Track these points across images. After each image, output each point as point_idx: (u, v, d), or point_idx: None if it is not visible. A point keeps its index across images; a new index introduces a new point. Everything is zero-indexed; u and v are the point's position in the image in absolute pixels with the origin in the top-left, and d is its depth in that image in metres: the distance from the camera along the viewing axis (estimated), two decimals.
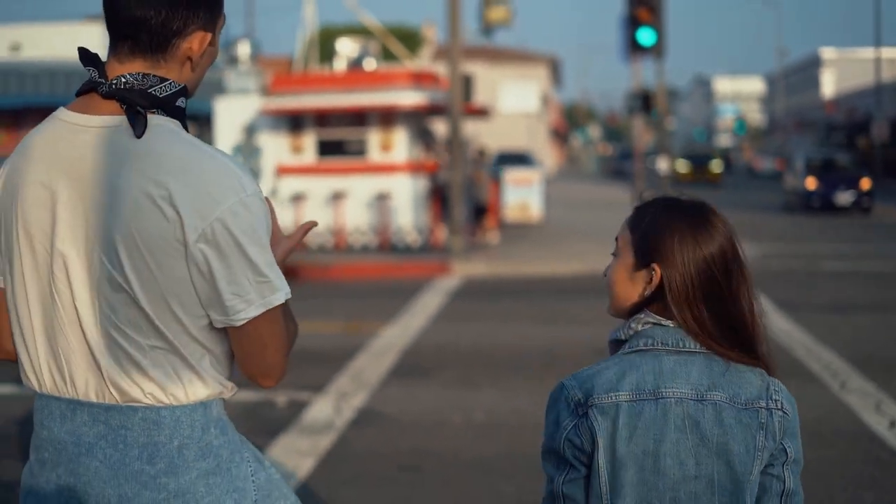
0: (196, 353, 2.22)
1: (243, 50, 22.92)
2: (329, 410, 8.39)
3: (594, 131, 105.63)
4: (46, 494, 2.26)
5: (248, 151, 21.87)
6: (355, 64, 23.12)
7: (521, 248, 21.24)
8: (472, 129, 52.99)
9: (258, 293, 2.18)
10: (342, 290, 16.37)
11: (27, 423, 8.06)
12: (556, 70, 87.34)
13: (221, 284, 2.16)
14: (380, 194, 20.57)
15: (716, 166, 55.99)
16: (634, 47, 22.63)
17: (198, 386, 2.22)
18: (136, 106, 2.18)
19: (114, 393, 2.20)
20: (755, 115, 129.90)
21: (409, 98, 20.57)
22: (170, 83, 2.23)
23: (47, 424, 2.27)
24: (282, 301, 2.22)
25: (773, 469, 2.33)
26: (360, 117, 21.15)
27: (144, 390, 2.20)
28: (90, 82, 2.23)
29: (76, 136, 2.22)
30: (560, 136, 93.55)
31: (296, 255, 19.49)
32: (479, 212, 21.75)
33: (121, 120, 2.20)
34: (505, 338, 11.65)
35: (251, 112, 21.65)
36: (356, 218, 20.93)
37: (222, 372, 2.28)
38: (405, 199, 20.79)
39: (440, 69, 22.43)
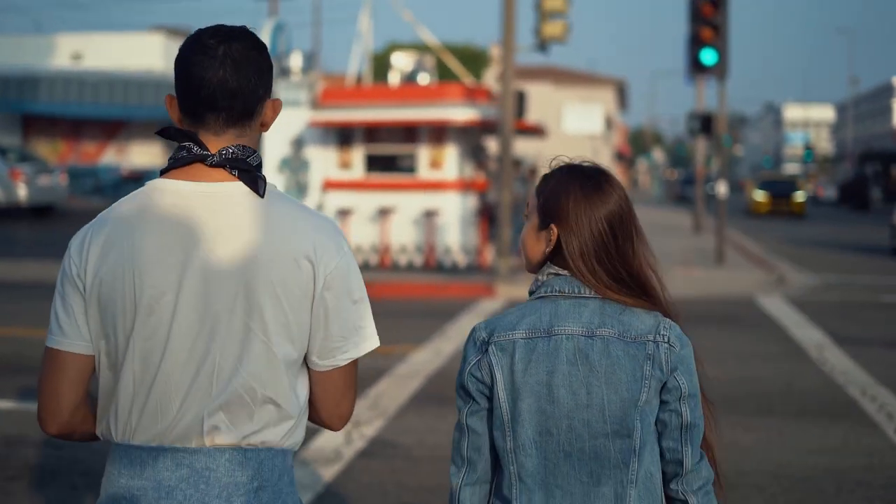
0: (294, 401, 2.39)
1: (295, 61, 22.53)
2: (339, 439, 7.82)
3: (659, 156, 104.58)
4: None
5: (295, 165, 21.45)
6: (409, 78, 22.66)
7: None
8: (534, 149, 52.48)
9: (360, 337, 2.43)
10: (382, 308, 15.68)
11: (15, 443, 7.58)
12: (622, 93, 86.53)
13: (333, 328, 2.38)
14: (427, 212, 20.02)
15: (800, 196, 47.89)
16: (696, 67, 21.96)
17: (288, 433, 2.39)
18: (251, 171, 2.37)
19: (207, 439, 2.32)
20: (824, 144, 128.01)
21: (461, 114, 20.03)
22: (257, 154, 2.42)
23: (126, 472, 2.35)
24: (372, 347, 2.48)
25: (671, 405, 2.53)
26: (410, 133, 20.64)
27: (243, 435, 2.32)
28: (195, 155, 2.36)
29: (191, 200, 2.34)
30: (625, 159, 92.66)
31: None
32: None
33: (233, 185, 2.36)
34: None
35: (300, 125, 21.22)
36: (402, 235, 20.40)
37: (303, 422, 2.44)
38: (453, 218, 20.23)
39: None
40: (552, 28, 18.93)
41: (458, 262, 20.05)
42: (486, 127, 20.71)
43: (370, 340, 2.47)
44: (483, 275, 18.90)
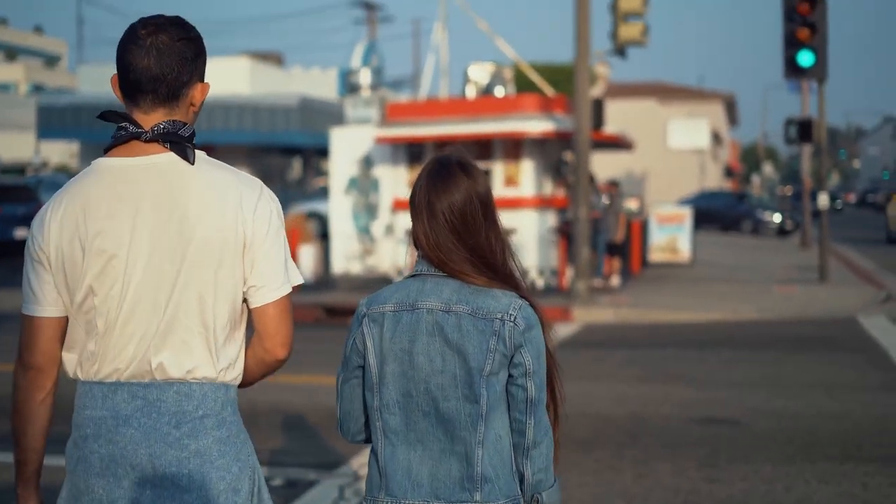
0: (229, 340, 2.74)
1: (364, 78, 21.53)
2: (328, 498, 6.63)
3: (769, 171, 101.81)
4: (91, 462, 2.70)
5: (363, 185, 20.39)
6: (486, 91, 21.47)
7: (657, 291, 19.10)
8: (642, 165, 50.76)
9: (289, 274, 2.78)
10: None
11: None
12: (731, 108, 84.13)
13: (263, 269, 2.72)
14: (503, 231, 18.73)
15: None
16: (793, 69, 20.35)
17: (227, 369, 2.74)
18: (181, 143, 2.71)
19: (156, 374, 2.68)
20: None
21: (537, 126, 18.78)
22: (187, 126, 2.75)
23: (90, 405, 2.72)
24: (297, 282, 2.81)
25: (517, 380, 2.77)
26: (484, 148, 19.42)
27: (186, 370, 2.68)
28: (131, 133, 2.70)
29: (134, 173, 2.70)
30: (734, 175, 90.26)
31: None
32: (612, 251, 19.69)
33: (166, 156, 2.71)
34: (594, 400, 9.66)
35: (368, 142, 20.18)
36: None
37: (241, 360, 2.79)
38: (531, 237, 18.93)
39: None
40: (629, 30, 17.58)
41: (535, 285, 18.75)
42: (564, 139, 19.41)
43: (294, 278, 2.79)
44: (561, 297, 17.57)
